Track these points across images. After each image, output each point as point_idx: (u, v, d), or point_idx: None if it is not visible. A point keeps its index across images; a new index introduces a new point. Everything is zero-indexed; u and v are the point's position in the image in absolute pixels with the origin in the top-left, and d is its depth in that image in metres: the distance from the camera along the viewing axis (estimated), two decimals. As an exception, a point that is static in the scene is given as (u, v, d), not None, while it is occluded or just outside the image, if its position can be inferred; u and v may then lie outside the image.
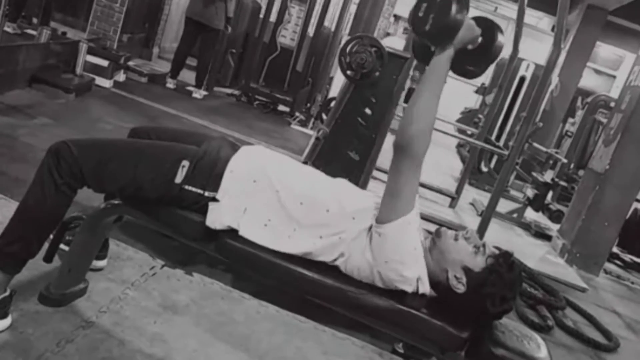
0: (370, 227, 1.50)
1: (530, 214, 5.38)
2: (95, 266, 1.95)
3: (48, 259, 1.66)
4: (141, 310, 1.86)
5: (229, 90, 6.84)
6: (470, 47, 1.52)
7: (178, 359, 1.71)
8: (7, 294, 1.54)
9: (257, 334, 1.96)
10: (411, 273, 1.47)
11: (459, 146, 7.86)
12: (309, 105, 6.71)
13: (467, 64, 1.56)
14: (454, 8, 1.38)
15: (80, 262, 1.75)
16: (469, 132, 5.69)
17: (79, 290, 1.77)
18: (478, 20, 1.52)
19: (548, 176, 6.01)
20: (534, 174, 5.48)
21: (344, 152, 3.18)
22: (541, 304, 3.19)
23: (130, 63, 5.69)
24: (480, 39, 1.50)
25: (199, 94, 6.06)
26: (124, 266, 2.08)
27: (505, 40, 1.53)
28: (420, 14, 1.43)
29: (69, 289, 1.72)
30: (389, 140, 3.80)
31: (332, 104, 3.47)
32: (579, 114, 7.20)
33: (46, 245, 1.63)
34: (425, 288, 1.50)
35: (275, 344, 1.95)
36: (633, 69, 4.60)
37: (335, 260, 1.53)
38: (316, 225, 1.53)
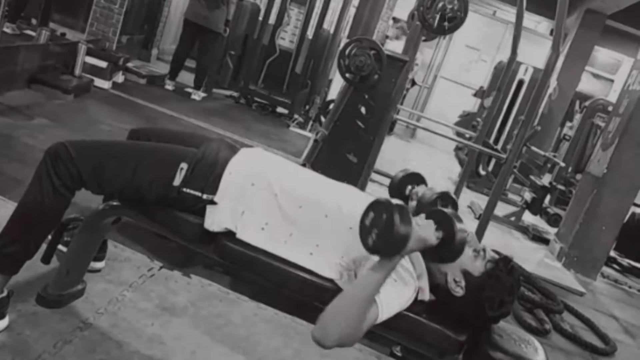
0: None
1: (528, 218, 5.39)
2: (93, 267, 1.94)
3: (46, 260, 1.66)
4: (139, 312, 1.86)
5: (227, 92, 6.85)
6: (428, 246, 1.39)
7: (176, 361, 1.71)
8: (4, 294, 1.54)
9: (255, 336, 1.96)
10: (411, 290, 1.46)
11: (457, 149, 7.87)
12: (307, 107, 6.71)
13: (431, 259, 1.46)
14: (397, 225, 1.24)
15: (78, 263, 1.74)
16: (467, 136, 5.69)
17: (76, 292, 1.76)
18: (434, 215, 1.41)
19: (546, 180, 6.01)
20: (532, 177, 5.49)
21: (343, 154, 3.19)
22: (539, 308, 3.19)
23: (129, 64, 5.69)
24: (437, 239, 1.37)
25: (197, 95, 6.06)
26: (122, 268, 2.08)
27: (466, 228, 1.37)
28: (367, 223, 1.30)
29: (66, 290, 1.72)
30: (388, 142, 3.78)
31: (331, 106, 3.47)
32: (577, 117, 7.21)
33: (44, 246, 1.62)
34: (424, 295, 1.50)
35: (273, 346, 1.95)
36: (631, 73, 4.61)
37: (333, 264, 1.51)
38: (313, 230, 1.51)
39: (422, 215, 1.42)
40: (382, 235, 1.27)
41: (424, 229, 1.36)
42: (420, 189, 1.79)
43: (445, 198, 1.72)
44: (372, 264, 1.36)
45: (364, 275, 1.36)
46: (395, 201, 1.32)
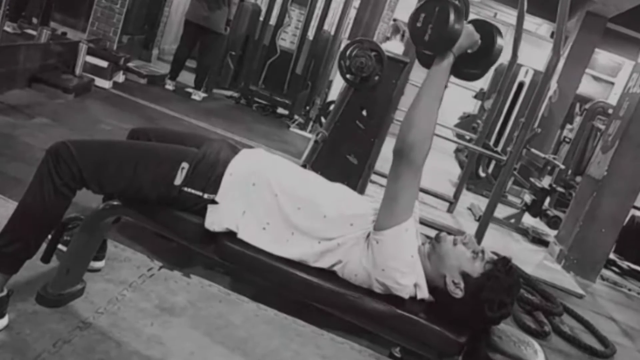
0: (368, 234, 1.50)
1: (528, 220, 5.39)
2: (93, 267, 1.94)
3: (46, 259, 1.66)
4: (138, 312, 1.86)
5: (228, 93, 6.85)
6: (470, 51, 1.53)
7: (175, 361, 1.71)
8: (4, 294, 1.54)
9: (254, 337, 1.96)
10: (408, 280, 1.47)
11: (457, 151, 7.88)
12: (308, 108, 6.72)
13: (467, 68, 1.57)
14: (452, 18, 1.38)
15: (78, 262, 1.74)
16: (467, 137, 5.70)
17: (76, 291, 1.76)
18: (476, 23, 1.53)
19: (546, 182, 6.02)
20: (532, 179, 5.49)
21: (343, 155, 3.19)
22: (538, 310, 3.19)
23: (130, 64, 5.69)
24: (479, 42, 1.50)
25: (198, 95, 6.06)
26: (121, 267, 2.08)
27: (504, 42, 1.54)
28: (419, 24, 1.43)
29: (66, 290, 1.72)
30: (388, 144, 3.80)
31: (331, 107, 3.47)
32: (577, 120, 7.22)
33: (44, 245, 1.62)
34: (423, 294, 1.51)
35: (273, 347, 1.95)
36: (631, 76, 4.61)
37: (332, 266, 1.53)
38: (314, 230, 1.52)
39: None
40: (437, 28, 1.40)
41: (471, 30, 1.49)
42: None
43: None
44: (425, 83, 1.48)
45: (426, 78, 1.49)
46: None
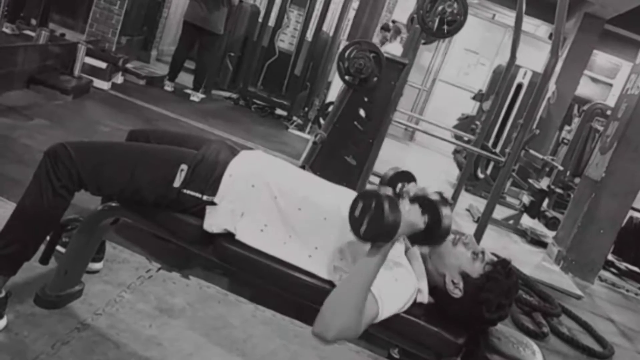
0: None
1: (526, 221, 5.40)
2: (92, 268, 1.94)
3: (44, 260, 1.66)
4: (137, 313, 1.86)
5: (226, 94, 6.85)
6: (416, 232, 1.41)
7: (173, 362, 1.71)
8: (2, 295, 1.54)
9: (253, 338, 1.96)
10: (412, 289, 1.46)
11: (456, 152, 7.88)
12: (306, 109, 6.72)
13: (418, 243, 1.48)
14: (387, 212, 1.27)
15: (77, 264, 1.74)
16: (465, 139, 5.70)
17: (74, 293, 1.76)
18: (420, 201, 1.43)
19: (544, 183, 6.03)
20: (530, 180, 5.50)
21: (341, 156, 3.19)
22: (536, 311, 3.19)
23: (129, 65, 5.69)
24: (425, 223, 1.39)
25: (196, 97, 6.06)
26: (120, 269, 2.08)
27: (450, 215, 1.39)
28: (357, 215, 1.33)
29: (64, 291, 1.72)
30: (387, 145, 3.79)
31: (330, 108, 3.47)
32: (576, 121, 7.24)
33: (43, 247, 1.62)
34: (424, 298, 1.50)
35: (271, 348, 1.95)
36: (629, 78, 4.62)
37: (332, 268, 1.51)
38: (312, 233, 1.52)
39: (407, 201, 1.42)
40: (372, 223, 1.30)
41: (411, 214, 1.37)
42: (410, 187, 1.80)
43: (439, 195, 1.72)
44: (365, 253, 1.36)
45: (358, 263, 1.37)
46: (382, 189, 1.34)
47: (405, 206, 1.38)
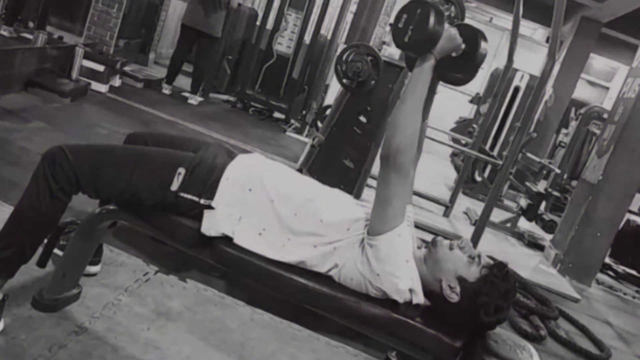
0: (363, 239, 1.50)
1: (524, 224, 5.41)
2: (89, 272, 1.94)
3: (42, 264, 1.65)
4: (134, 317, 1.86)
5: (224, 97, 6.86)
6: (454, 54, 1.52)
7: (171, 365, 1.71)
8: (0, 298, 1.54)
9: (250, 341, 1.96)
10: (403, 285, 1.48)
11: (453, 155, 7.89)
12: (304, 112, 6.73)
13: (452, 72, 1.55)
14: (431, 19, 1.38)
15: (74, 267, 1.74)
16: (463, 142, 5.72)
17: (72, 296, 1.76)
18: (460, 27, 1.52)
19: (541, 186, 6.04)
20: (528, 183, 5.51)
21: (339, 160, 3.19)
22: (534, 314, 3.19)
23: (126, 68, 5.69)
24: (463, 46, 1.49)
25: (194, 100, 6.06)
26: (117, 272, 2.07)
27: (488, 47, 1.50)
28: (400, 25, 1.43)
29: (62, 294, 1.72)
30: (384, 148, 3.80)
31: (328, 111, 3.48)
32: (573, 124, 7.25)
33: (40, 250, 1.62)
34: (419, 299, 1.51)
35: (269, 351, 1.95)
36: (626, 81, 4.64)
37: (329, 270, 1.53)
38: (310, 235, 1.53)
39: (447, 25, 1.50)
40: (417, 30, 1.40)
41: (452, 31, 1.47)
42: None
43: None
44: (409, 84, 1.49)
45: (408, 80, 1.49)
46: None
47: (449, 28, 1.47)
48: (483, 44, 1.48)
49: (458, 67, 1.51)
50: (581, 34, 7.23)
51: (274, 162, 1.72)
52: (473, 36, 1.49)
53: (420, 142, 1.66)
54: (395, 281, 1.46)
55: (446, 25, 1.47)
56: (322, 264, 1.53)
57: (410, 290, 1.49)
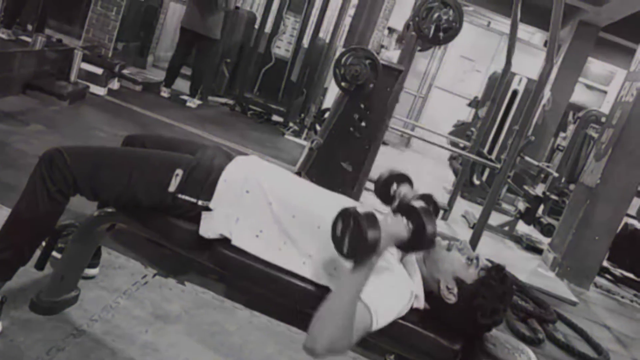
0: None
1: (522, 227, 5.41)
2: (87, 274, 1.94)
3: (40, 266, 1.65)
4: (133, 319, 1.86)
5: (223, 100, 6.86)
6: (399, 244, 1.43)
7: (169, 368, 1.71)
8: (-3, 301, 1.53)
9: (249, 344, 1.96)
10: (408, 295, 1.46)
11: (452, 159, 7.90)
12: (302, 115, 6.73)
13: (407, 250, 1.47)
14: (365, 229, 1.29)
15: (72, 270, 1.74)
16: (461, 145, 5.72)
17: (70, 299, 1.76)
18: (402, 210, 1.43)
19: (539, 190, 6.04)
20: (526, 187, 5.52)
21: (338, 163, 3.19)
22: (532, 317, 3.20)
23: (125, 71, 5.69)
24: (409, 233, 1.39)
25: (193, 103, 6.07)
26: (115, 275, 2.07)
27: (435, 226, 1.38)
28: (338, 234, 1.35)
29: (60, 297, 1.71)
30: (383, 151, 3.79)
31: (326, 115, 3.48)
32: (571, 128, 7.26)
33: (38, 252, 1.62)
34: (420, 303, 1.51)
35: (267, 354, 1.95)
36: (624, 85, 4.65)
37: (328, 274, 1.51)
38: (306, 240, 1.52)
39: (389, 212, 1.44)
40: (353, 241, 1.32)
41: (393, 225, 1.37)
42: (403, 188, 1.80)
43: (427, 199, 1.72)
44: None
45: (344, 278, 1.36)
46: (359, 207, 1.36)
47: (388, 219, 1.39)
48: (428, 221, 1.37)
49: (412, 247, 1.43)
50: (579, 37, 7.25)
51: (272, 165, 1.72)
52: (416, 216, 1.39)
53: None
54: (399, 293, 1.45)
55: (389, 218, 1.39)
56: (317, 276, 1.51)
57: (414, 295, 1.49)
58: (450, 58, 9.46)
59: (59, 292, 1.71)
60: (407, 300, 1.45)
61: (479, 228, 3.57)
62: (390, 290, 1.42)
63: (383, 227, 1.32)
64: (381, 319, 1.38)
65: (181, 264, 2.30)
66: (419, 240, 1.40)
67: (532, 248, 5.06)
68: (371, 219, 1.31)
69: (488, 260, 1.57)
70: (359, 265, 1.33)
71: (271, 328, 2.10)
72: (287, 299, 1.58)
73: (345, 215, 1.35)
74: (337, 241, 1.35)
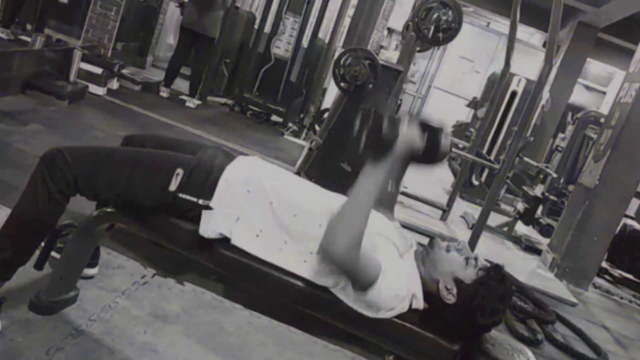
0: None
1: (521, 228, 5.41)
2: (86, 274, 1.94)
3: (39, 266, 1.65)
4: (131, 320, 1.86)
5: (222, 100, 6.86)
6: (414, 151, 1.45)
7: (168, 368, 1.70)
8: (-3, 301, 1.53)
9: (248, 344, 1.96)
10: (406, 291, 1.47)
11: (451, 159, 7.91)
12: (302, 116, 6.73)
13: (418, 161, 1.47)
14: (385, 127, 1.35)
15: (72, 270, 1.74)
16: (460, 146, 5.72)
17: (69, 298, 1.75)
18: (420, 125, 1.44)
19: (538, 190, 6.05)
20: (525, 188, 5.52)
21: (337, 163, 3.19)
22: (531, 318, 3.20)
23: (124, 71, 5.69)
24: (423, 146, 1.42)
25: (192, 103, 6.07)
26: (114, 274, 2.07)
27: (448, 142, 1.43)
28: (355, 134, 1.40)
29: (59, 297, 1.71)
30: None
31: (326, 115, 3.48)
32: (569, 129, 7.27)
33: (37, 252, 1.62)
34: (418, 304, 1.51)
35: (267, 355, 1.94)
36: (623, 86, 4.66)
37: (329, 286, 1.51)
38: (307, 239, 1.52)
39: (408, 121, 1.45)
40: (371, 137, 1.34)
41: (411, 133, 1.40)
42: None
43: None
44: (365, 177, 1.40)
45: (360, 180, 1.40)
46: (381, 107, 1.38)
47: (405, 127, 1.42)
48: (444, 135, 1.41)
49: (423, 159, 1.44)
50: (578, 38, 7.26)
51: (272, 165, 1.73)
52: (432, 129, 1.42)
53: (392, 209, 1.60)
54: (396, 290, 1.45)
55: (404, 126, 1.42)
56: (318, 275, 1.51)
57: (413, 296, 1.49)
58: (449, 59, 9.47)
59: (58, 292, 1.71)
60: (405, 295, 1.46)
61: (477, 228, 3.57)
62: (399, 272, 1.46)
63: (401, 132, 1.37)
64: (385, 284, 1.40)
65: (180, 264, 2.30)
66: (432, 152, 1.43)
67: (531, 249, 5.06)
68: (392, 118, 1.36)
69: (487, 260, 1.57)
70: (374, 163, 1.37)
71: (271, 328, 2.10)
72: (287, 299, 1.58)
73: (365, 114, 1.38)
74: (356, 141, 1.38)
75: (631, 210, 5.10)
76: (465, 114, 8.63)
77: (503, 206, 6.41)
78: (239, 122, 6.25)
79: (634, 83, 4.43)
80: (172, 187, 1.53)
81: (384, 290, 1.41)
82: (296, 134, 6.33)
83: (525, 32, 9.83)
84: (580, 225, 4.43)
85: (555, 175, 6.15)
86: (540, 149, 7.31)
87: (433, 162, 1.47)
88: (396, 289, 1.44)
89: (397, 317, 1.48)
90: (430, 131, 1.42)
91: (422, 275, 1.55)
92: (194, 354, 1.81)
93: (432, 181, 6.66)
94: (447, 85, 9.39)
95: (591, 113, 6.87)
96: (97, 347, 1.66)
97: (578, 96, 9.26)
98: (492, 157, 6.18)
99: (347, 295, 1.47)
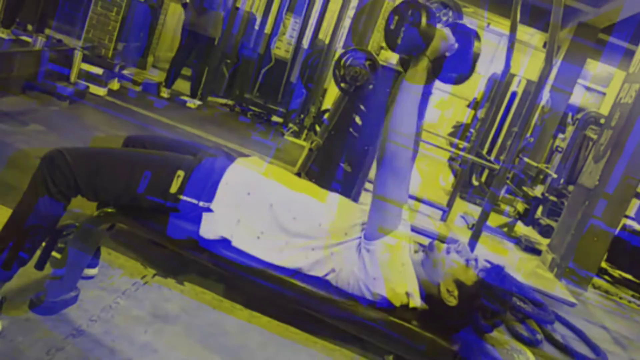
0: (360, 243, 1.51)
1: (521, 228, 5.41)
2: (87, 274, 1.94)
3: (40, 266, 1.65)
4: (132, 320, 1.86)
5: (223, 101, 6.86)
6: (447, 54, 1.52)
7: (168, 368, 1.71)
8: (-3, 301, 1.54)
9: (248, 344, 1.96)
10: (400, 288, 1.48)
11: (451, 160, 7.92)
12: (302, 116, 6.73)
13: (446, 71, 1.55)
14: (423, 21, 1.39)
15: (72, 270, 1.74)
16: (460, 146, 5.73)
17: (70, 299, 1.76)
18: (453, 27, 1.53)
19: (538, 191, 6.05)
20: (525, 188, 5.52)
21: (337, 163, 3.20)
22: (530, 318, 3.20)
23: (125, 72, 5.69)
24: (456, 46, 1.49)
25: (193, 103, 6.07)
26: (115, 275, 2.07)
27: (481, 46, 1.51)
28: (392, 27, 1.43)
29: (60, 297, 1.72)
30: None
31: (326, 115, 3.48)
32: (570, 129, 7.27)
33: (38, 252, 1.62)
34: (416, 302, 1.51)
35: (267, 355, 1.95)
36: (623, 86, 4.66)
37: (326, 275, 1.54)
38: (308, 239, 1.53)
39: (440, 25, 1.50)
40: (409, 31, 1.37)
41: (446, 31, 1.46)
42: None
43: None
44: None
45: (403, 83, 1.47)
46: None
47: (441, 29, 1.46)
48: (476, 44, 1.48)
49: (452, 67, 1.51)
50: (578, 39, 7.26)
51: (273, 166, 1.73)
52: (466, 36, 1.49)
53: (416, 142, 1.67)
54: (391, 285, 1.47)
55: (439, 25, 1.47)
56: (319, 268, 1.53)
57: (407, 294, 1.50)
58: (449, 59, 9.46)
59: (58, 292, 1.72)
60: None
61: (477, 229, 3.57)
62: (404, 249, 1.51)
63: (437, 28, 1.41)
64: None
65: (181, 264, 2.31)
66: (465, 56, 1.48)
67: (531, 249, 5.06)
68: (431, 13, 1.39)
69: (487, 261, 1.57)
70: (413, 60, 1.42)
71: (270, 328, 2.10)
72: (287, 300, 1.58)
73: (406, 6, 1.39)
74: (390, 34, 1.40)
75: (631, 211, 5.09)
76: (465, 115, 8.63)
77: (503, 206, 6.41)
78: (240, 122, 6.25)
79: (634, 84, 4.43)
80: (173, 189, 1.53)
81: (387, 249, 1.47)
82: (296, 135, 6.33)
83: (525, 33, 9.82)
84: (580, 226, 4.43)
85: (555, 175, 6.15)
86: (540, 149, 7.30)
87: (464, 67, 1.51)
88: (397, 259, 1.49)
89: (398, 317, 1.49)
90: (464, 34, 1.47)
91: (422, 277, 1.55)
92: (194, 353, 1.81)
93: (432, 181, 6.66)
94: (447, 86, 9.40)
95: (591, 114, 6.87)
96: (98, 347, 1.67)
97: (578, 97, 9.26)
98: (492, 158, 6.18)
99: (341, 280, 1.51)
